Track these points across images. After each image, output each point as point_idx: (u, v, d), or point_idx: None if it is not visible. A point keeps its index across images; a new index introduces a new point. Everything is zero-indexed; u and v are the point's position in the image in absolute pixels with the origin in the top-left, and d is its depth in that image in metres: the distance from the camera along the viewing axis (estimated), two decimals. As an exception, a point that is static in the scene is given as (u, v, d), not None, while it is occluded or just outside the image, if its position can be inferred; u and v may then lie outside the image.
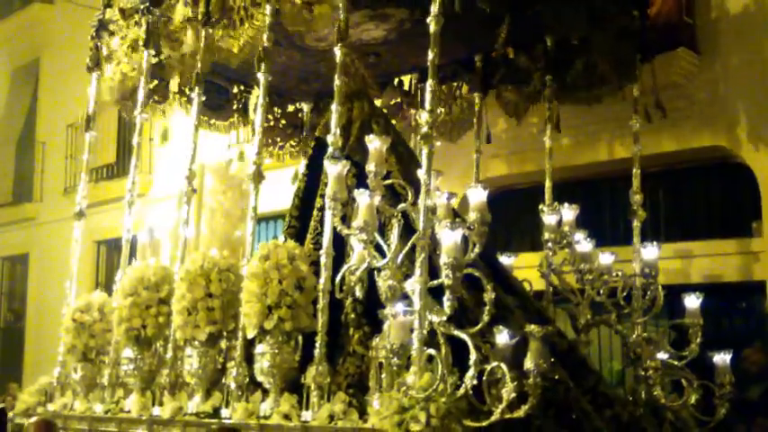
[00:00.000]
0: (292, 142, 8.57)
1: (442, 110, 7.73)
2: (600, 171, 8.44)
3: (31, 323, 15.03)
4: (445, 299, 4.70)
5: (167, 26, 6.62)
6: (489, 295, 4.65)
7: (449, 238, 4.62)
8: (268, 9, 5.77)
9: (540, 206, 7.07)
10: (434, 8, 5.04)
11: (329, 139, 5.54)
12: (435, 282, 4.74)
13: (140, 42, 6.68)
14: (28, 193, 15.59)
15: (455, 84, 8.02)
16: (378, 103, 7.83)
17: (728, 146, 7.63)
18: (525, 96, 7.52)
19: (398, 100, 8.17)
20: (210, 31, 6.18)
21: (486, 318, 4.65)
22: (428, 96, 5.05)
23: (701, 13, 7.88)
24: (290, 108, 8.64)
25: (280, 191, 7.61)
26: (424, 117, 4.98)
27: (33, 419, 4.47)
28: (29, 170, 15.73)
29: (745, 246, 7.59)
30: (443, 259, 4.62)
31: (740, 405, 7.11)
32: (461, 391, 4.47)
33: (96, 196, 12.17)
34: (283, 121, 8.57)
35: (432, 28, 5.08)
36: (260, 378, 5.40)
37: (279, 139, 8.56)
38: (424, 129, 4.95)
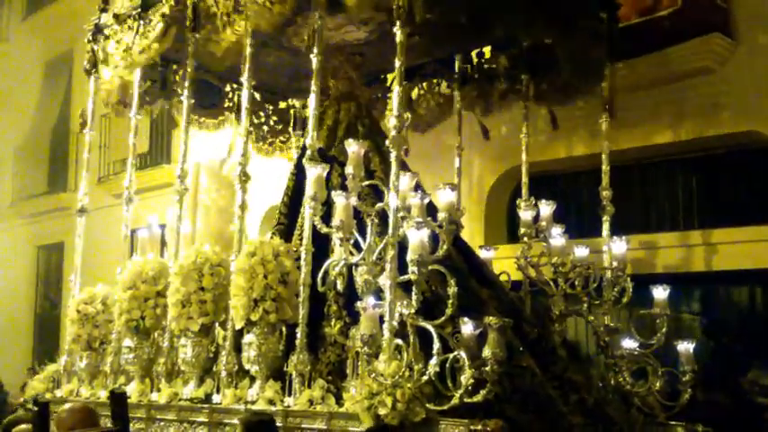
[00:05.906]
0: (282, 138, 8.92)
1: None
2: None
3: (67, 311, 15.17)
4: (413, 293, 5.08)
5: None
6: (452, 289, 5.00)
7: (415, 236, 4.98)
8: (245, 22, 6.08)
9: (518, 201, 7.37)
10: (399, 20, 5.33)
11: (307, 141, 5.89)
12: (405, 277, 5.11)
13: (134, 47, 6.99)
14: (63, 183, 15.76)
15: (435, 81, 8.26)
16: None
17: (764, 131, 7.46)
18: (498, 94, 7.74)
19: (379, 95, 8.41)
20: (197, 36, 6.54)
21: (449, 310, 5.00)
22: (395, 101, 5.35)
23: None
24: (282, 105, 8.97)
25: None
26: (392, 122, 5.26)
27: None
28: (63, 160, 15.89)
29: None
30: (410, 256, 4.98)
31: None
32: (426, 377, 4.85)
33: (127, 186, 12.49)
34: (274, 118, 8.93)
35: (398, 38, 5.37)
36: (247, 366, 5.79)
37: (269, 136, 8.90)
38: (393, 133, 5.26)
